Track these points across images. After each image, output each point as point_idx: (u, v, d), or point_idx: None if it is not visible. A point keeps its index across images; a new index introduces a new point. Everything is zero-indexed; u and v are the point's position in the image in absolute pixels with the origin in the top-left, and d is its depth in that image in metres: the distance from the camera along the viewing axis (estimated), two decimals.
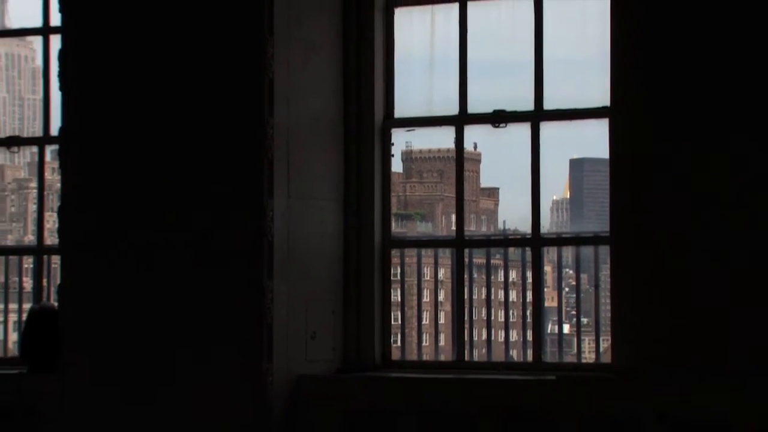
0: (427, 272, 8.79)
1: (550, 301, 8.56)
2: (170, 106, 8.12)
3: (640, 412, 7.41)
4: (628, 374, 7.61)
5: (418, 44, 8.63)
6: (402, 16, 8.61)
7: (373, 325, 8.44)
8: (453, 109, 8.45)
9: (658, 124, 7.63)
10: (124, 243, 8.16)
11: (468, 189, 7.93)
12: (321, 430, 8.04)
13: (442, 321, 8.79)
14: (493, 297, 8.59)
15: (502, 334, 8.57)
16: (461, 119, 8.44)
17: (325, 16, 8.39)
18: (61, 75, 8.43)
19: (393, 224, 8.63)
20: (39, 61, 9.66)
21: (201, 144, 8.02)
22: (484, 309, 8.57)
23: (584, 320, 8.54)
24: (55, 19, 8.88)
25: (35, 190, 9.68)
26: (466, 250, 8.48)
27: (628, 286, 7.70)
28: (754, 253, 7.39)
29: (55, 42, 8.82)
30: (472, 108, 8.41)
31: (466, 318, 8.40)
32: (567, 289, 8.77)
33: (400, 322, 8.65)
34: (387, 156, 8.59)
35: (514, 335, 8.56)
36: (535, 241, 8.25)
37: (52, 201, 9.05)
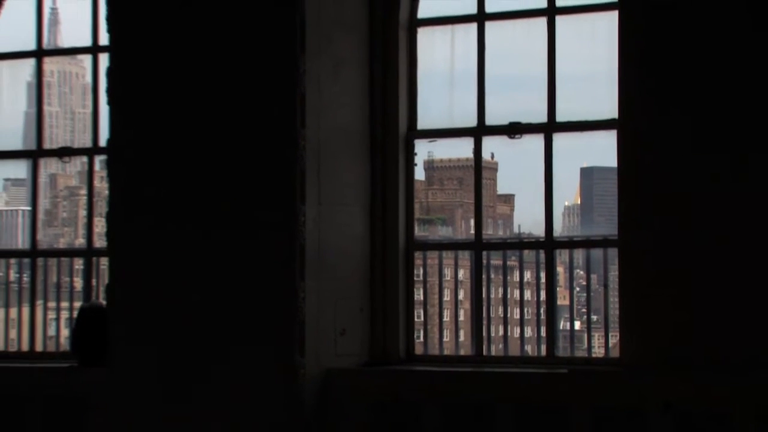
0: (448, 273, 8.78)
1: (562, 300, 8.52)
2: (209, 118, 8.13)
3: (646, 403, 7.39)
4: (635, 368, 7.58)
5: (440, 61, 8.63)
6: (424, 35, 8.61)
7: (398, 322, 8.43)
8: (472, 121, 8.44)
9: (662, 135, 7.60)
10: (167, 246, 8.17)
11: (486, 195, 7.92)
12: (349, 419, 8.04)
13: (461, 318, 8.77)
14: (509, 296, 8.57)
15: (517, 330, 8.55)
16: (479, 131, 8.43)
17: (353, 34, 8.39)
18: (109, 91, 8.45)
19: (416, 228, 8.61)
20: (88, 78, 9.65)
21: (237, 154, 8.03)
22: (501, 307, 8.55)
23: (594, 317, 8.51)
24: (104, 39, 8.90)
25: (85, 197, 9.68)
26: (484, 253, 8.47)
27: (634, 286, 7.67)
28: (751, 255, 7.36)
29: (104, 60, 8.84)
30: (490, 120, 8.40)
31: (484, 315, 8.38)
32: (578, 289, 8.73)
33: (422, 319, 8.63)
34: (410, 165, 8.58)
35: (528, 331, 8.53)
36: (549, 244, 8.23)
37: (101, 207, 9.06)
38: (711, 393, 7.27)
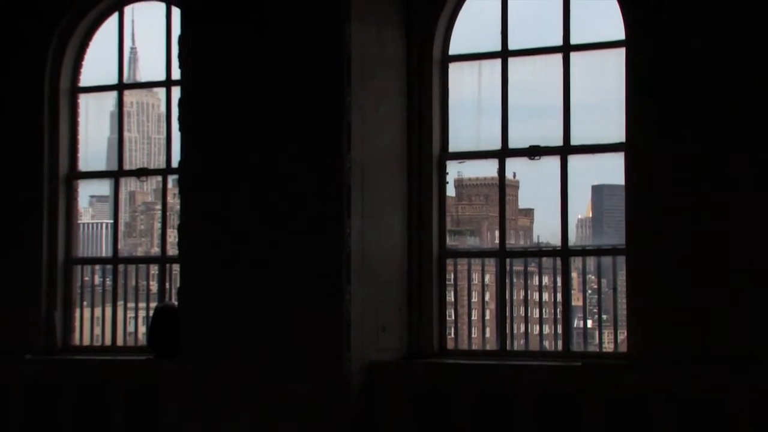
0: (476, 277, 8.75)
1: (576, 301, 8.46)
2: (266, 143, 8.14)
3: (651, 393, 7.34)
4: (641, 361, 7.53)
5: (468, 92, 8.61)
6: (455, 70, 8.59)
7: (432, 321, 8.41)
8: (496, 145, 8.42)
9: (664, 156, 7.57)
10: (230, 255, 8.18)
11: (508, 210, 7.88)
12: (389, 405, 8.02)
13: (487, 317, 8.74)
14: (529, 297, 8.53)
15: (537, 328, 8.51)
16: (503, 153, 8.41)
17: (392, 69, 8.39)
18: (180, 119, 8.49)
19: (448, 239, 8.59)
20: (163, 107, 9.67)
21: (291, 174, 8.03)
22: (522, 307, 8.51)
23: (604, 317, 8.45)
24: (176, 74, 8.94)
25: (159, 211, 9.68)
26: (508, 260, 8.44)
27: (640, 289, 7.63)
28: (744, 262, 7.31)
29: (176, 92, 8.87)
30: (512, 144, 8.37)
31: (507, 314, 8.35)
32: (590, 291, 8.66)
33: (453, 318, 8.60)
34: (443, 183, 8.57)
35: (546, 329, 8.49)
36: (564, 253, 8.19)
37: (173, 220, 9.09)
38: (709, 384, 7.21)
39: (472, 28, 8.60)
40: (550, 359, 8.06)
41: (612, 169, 8.02)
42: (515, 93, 8.36)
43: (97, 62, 9.66)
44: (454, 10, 8.55)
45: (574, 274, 8.36)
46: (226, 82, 8.28)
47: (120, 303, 9.47)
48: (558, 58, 8.20)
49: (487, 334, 8.71)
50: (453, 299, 8.58)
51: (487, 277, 8.72)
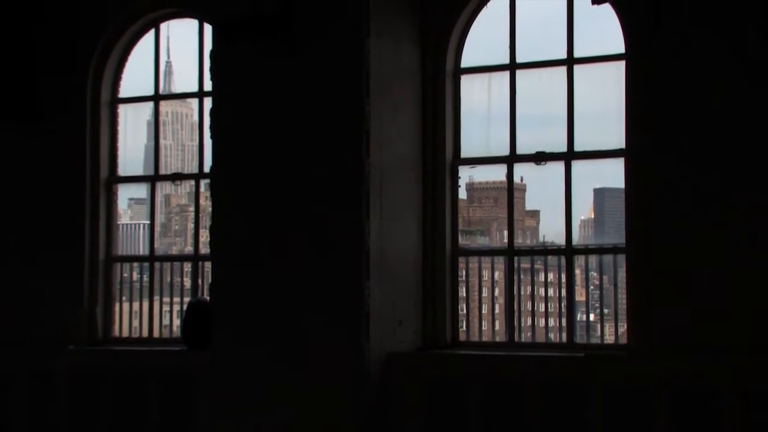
0: (486, 274, 8.74)
1: (579, 296, 8.44)
2: (291, 150, 8.14)
3: (649, 382, 7.31)
4: (640, 352, 7.51)
5: (479, 102, 8.59)
6: (466, 81, 8.58)
7: (445, 314, 8.40)
8: (505, 151, 8.40)
9: (660, 162, 7.55)
10: (258, 253, 8.19)
11: (516, 211, 7.86)
12: (406, 393, 8.01)
13: (497, 311, 8.72)
14: (536, 293, 8.51)
15: (542, 321, 8.49)
16: (511, 158, 8.39)
17: (408, 81, 8.39)
18: (212, 128, 8.50)
19: (460, 238, 8.58)
20: (195, 117, 9.70)
21: (315, 179, 8.03)
22: (529, 302, 8.50)
23: (606, 311, 8.42)
24: (207, 86, 8.96)
25: (193, 213, 9.70)
26: (515, 258, 8.42)
27: (639, 285, 7.61)
28: (734, 259, 7.28)
29: (207, 103, 8.89)
30: (520, 150, 8.35)
31: (515, 309, 8.33)
32: (592, 287, 8.64)
33: (465, 312, 8.59)
34: (455, 187, 8.56)
35: (552, 322, 8.47)
36: (568, 251, 8.17)
37: (205, 221, 9.09)
38: (704, 372, 7.19)
39: (482, 43, 8.60)
40: (555, 350, 8.05)
41: (613, 174, 8.00)
42: (522, 103, 8.35)
43: (135, 75, 9.69)
44: (465, 26, 8.55)
45: (577, 271, 8.34)
46: (254, 93, 8.29)
47: (156, 298, 9.48)
48: (562, 70, 8.18)
49: (497, 327, 8.69)
50: (465, 294, 8.56)
51: (496, 274, 8.71)
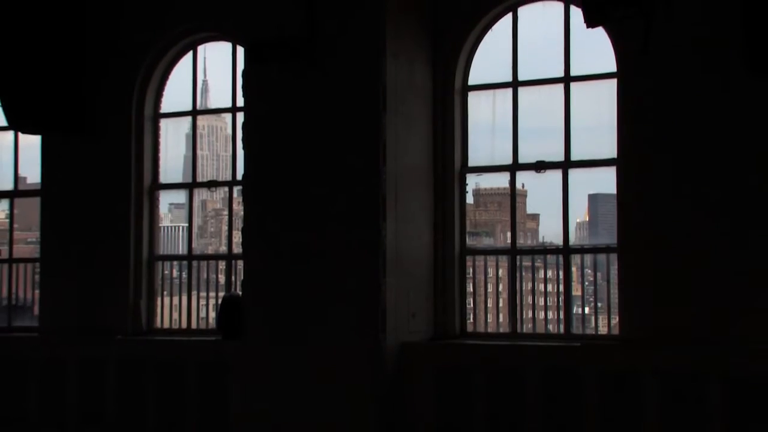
0: (491, 271, 8.72)
1: (575, 291, 8.42)
2: (315, 160, 8.15)
3: (640, 369, 7.29)
4: (631, 342, 7.48)
5: (484, 116, 8.59)
6: (473, 97, 8.58)
7: (454, 308, 8.39)
8: (508, 160, 8.39)
9: (649, 170, 7.54)
10: (285, 253, 8.19)
11: (518, 215, 7.86)
12: (418, 380, 8.00)
13: (501, 305, 8.70)
14: (536, 288, 8.49)
15: (542, 314, 8.47)
16: (514, 167, 8.38)
17: (420, 97, 8.38)
18: (244, 140, 8.52)
19: (467, 239, 8.57)
20: (229, 130, 9.72)
21: (337, 186, 8.04)
22: (530, 296, 8.48)
23: (599, 304, 8.40)
24: (240, 102, 8.97)
25: (227, 216, 9.71)
26: (518, 257, 8.41)
27: (630, 281, 7.59)
28: (717, 257, 7.25)
29: (240, 117, 8.90)
30: (522, 159, 8.34)
31: (517, 302, 8.31)
32: (587, 283, 8.62)
33: (472, 305, 8.58)
34: (463, 192, 8.55)
35: (550, 314, 8.45)
36: (565, 251, 8.15)
37: (238, 224, 9.11)
38: (690, 360, 7.16)
39: (487, 63, 8.59)
40: (554, 340, 8.02)
41: (606, 181, 7.99)
42: (524, 117, 8.34)
43: (175, 92, 9.72)
44: (473, 48, 8.55)
45: (573, 269, 8.32)
46: (281, 108, 8.30)
47: (194, 293, 9.50)
48: (560, 87, 8.16)
49: (501, 319, 8.67)
50: (472, 290, 8.55)
51: (500, 272, 8.69)
